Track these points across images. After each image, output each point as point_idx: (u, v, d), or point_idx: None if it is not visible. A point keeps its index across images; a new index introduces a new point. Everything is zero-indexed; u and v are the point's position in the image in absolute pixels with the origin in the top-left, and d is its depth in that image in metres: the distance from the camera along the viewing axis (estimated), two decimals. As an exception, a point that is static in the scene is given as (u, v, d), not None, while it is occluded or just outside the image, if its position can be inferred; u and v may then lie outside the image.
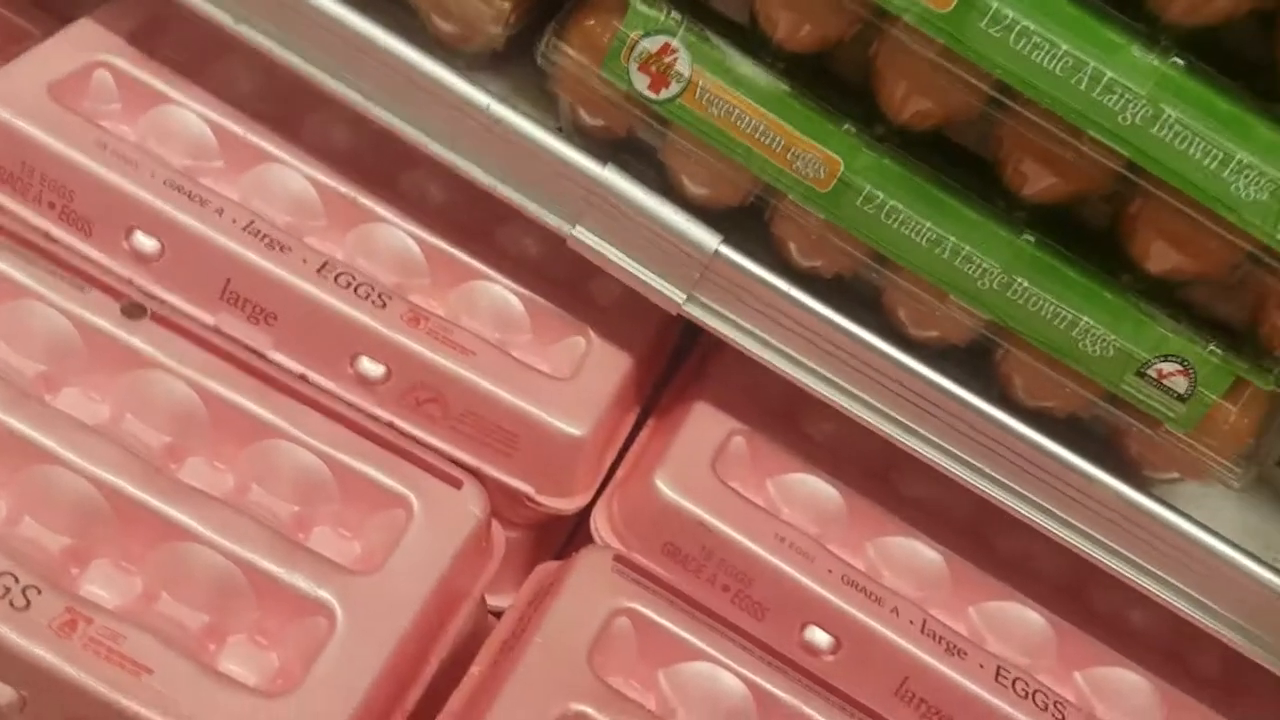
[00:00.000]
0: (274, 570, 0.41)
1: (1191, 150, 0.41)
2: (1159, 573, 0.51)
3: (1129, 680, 0.55)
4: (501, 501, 0.54)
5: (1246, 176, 0.41)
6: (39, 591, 0.38)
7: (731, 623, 0.51)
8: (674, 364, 0.62)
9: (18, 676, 0.37)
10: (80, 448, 0.42)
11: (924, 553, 0.56)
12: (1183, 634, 0.55)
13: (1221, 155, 0.41)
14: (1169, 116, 0.41)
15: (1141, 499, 0.49)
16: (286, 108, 0.57)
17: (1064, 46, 0.41)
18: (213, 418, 0.46)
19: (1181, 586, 0.51)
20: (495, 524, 0.50)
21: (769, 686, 0.47)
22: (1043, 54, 0.41)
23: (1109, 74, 0.41)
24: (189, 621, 0.41)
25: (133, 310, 0.47)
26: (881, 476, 0.58)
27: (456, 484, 0.47)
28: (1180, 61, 0.41)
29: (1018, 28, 0.41)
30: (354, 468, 0.46)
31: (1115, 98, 0.41)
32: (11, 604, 0.37)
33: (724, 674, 0.47)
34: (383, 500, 0.46)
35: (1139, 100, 0.41)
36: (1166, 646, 0.57)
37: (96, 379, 0.47)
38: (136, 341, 0.46)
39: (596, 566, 0.48)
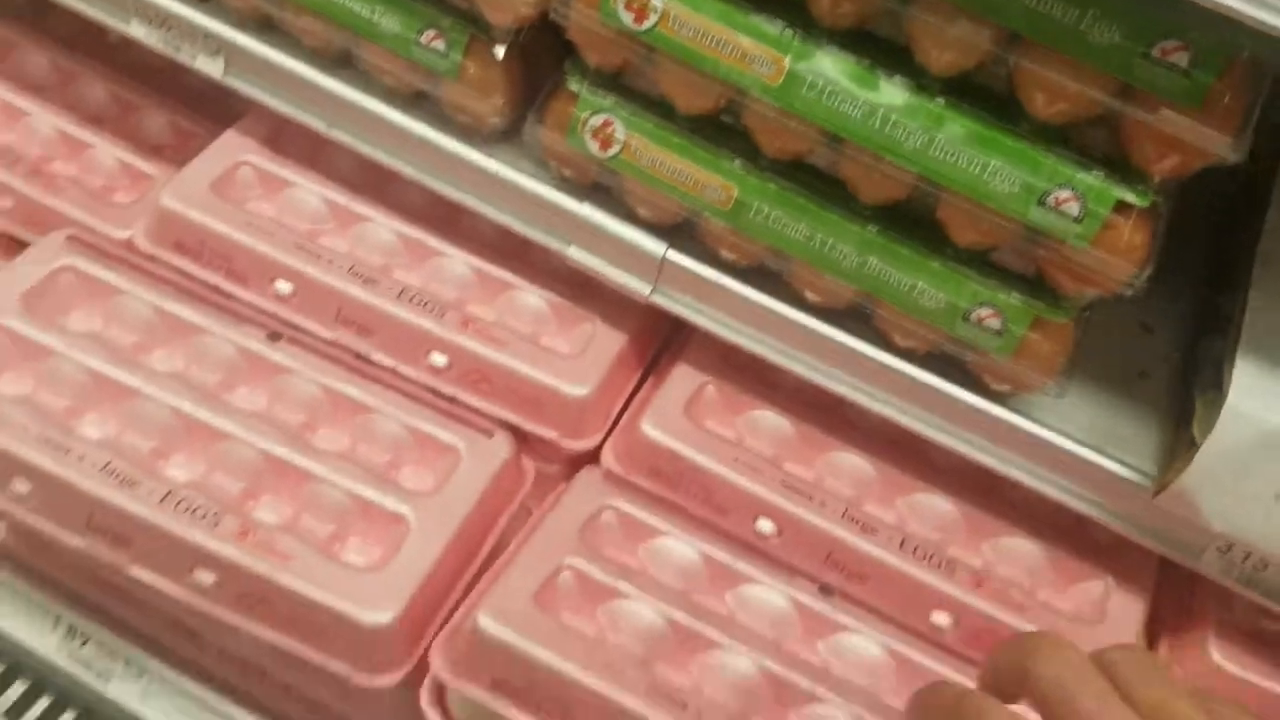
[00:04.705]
0: (372, 496, 0.64)
1: (958, 162, 0.58)
2: (1020, 461, 0.67)
3: (1025, 547, 0.72)
4: (540, 447, 0.75)
5: (1000, 176, 0.58)
6: (222, 515, 0.61)
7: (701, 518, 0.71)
8: (674, 337, 0.82)
9: (212, 566, 0.61)
10: (246, 427, 0.66)
11: (857, 462, 0.74)
12: (1064, 512, 0.71)
13: (980, 163, 0.58)
14: (939, 140, 0.58)
15: (991, 406, 0.66)
16: (373, 180, 0.80)
17: (861, 99, 0.59)
18: (330, 403, 0.69)
19: (1042, 472, 0.67)
20: (525, 459, 0.71)
21: (716, 552, 0.67)
22: (847, 106, 0.59)
23: (894, 115, 0.58)
24: (320, 532, 0.64)
25: (274, 336, 0.71)
26: (828, 409, 0.76)
27: (490, 434, 0.69)
28: (942, 100, 0.58)
29: (828, 89, 0.59)
30: (423, 429, 0.68)
31: (900, 130, 0.59)
32: (210, 523, 0.61)
33: (682, 545, 0.67)
34: (443, 449, 0.68)
35: (916, 130, 0.58)
36: (1054, 522, 0.73)
37: (254, 383, 0.71)
38: (278, 357, 0.70)
39: (591, 479, 0.69)
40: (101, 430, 0.65)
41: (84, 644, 0.70)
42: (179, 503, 0.61)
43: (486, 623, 0.59)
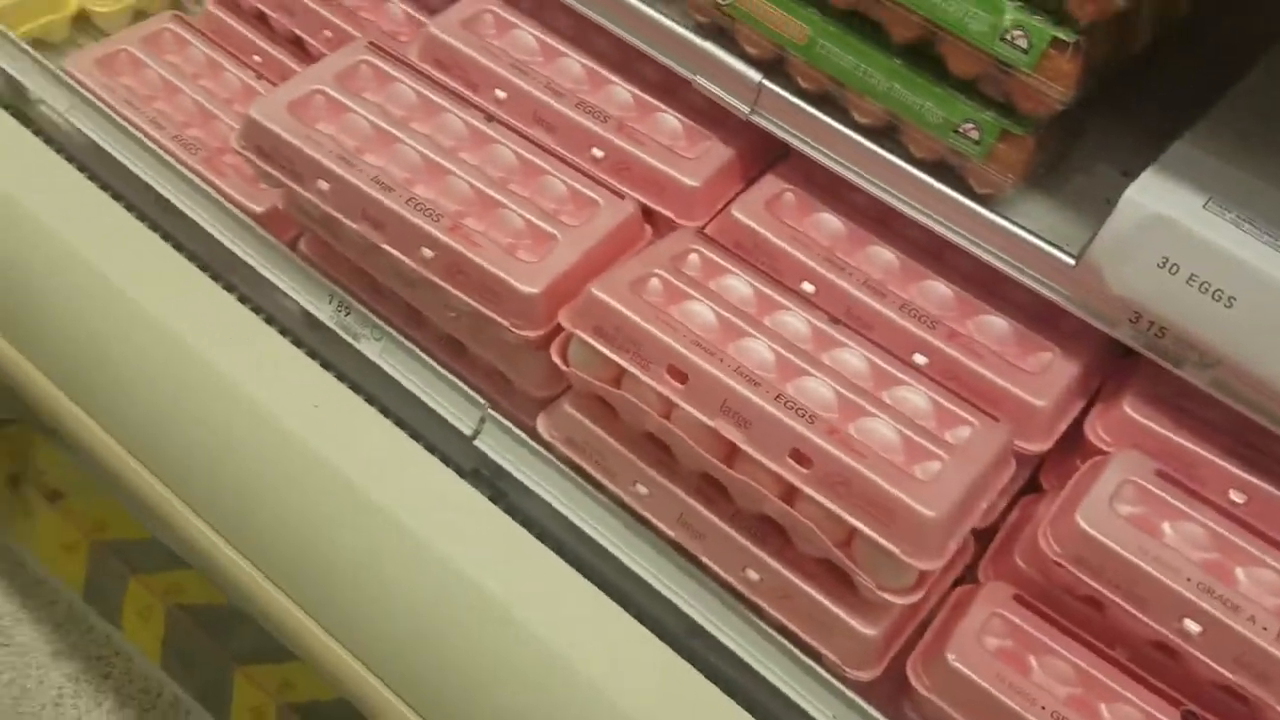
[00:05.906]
0: (537, 221, 0.96)
1: (949, 6, 0.84)
2: (991, 247, 0.92)
3: (1000, 325, 0.96)
4: (661, 226, 1.05)
5: (975, 18, 0.83)
6: (441, 218, 0.95)
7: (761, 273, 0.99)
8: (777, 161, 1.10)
9: (431, 245, 0.95)
10: (464, 170, 1.00)
11: (886, 255, 1.00)
12: (1039, 302, 0.95)
13: (963, 9, 0.83)
14: (936, -8, 0.84)
15: (974, 204, 0.91)
16: (573, 27, 1.12)
17: (885, -38, 0.85)
18: (521, 166, 1.02)
19: (1007, 258, 0.91)
20: (646, 225, 1.01)
21: (765, 290, 0.95)
22: (877, -33, 0.86)
23: (907, -26, 0.85)
24: (502, 241, 0.97)
25: (489, 118, 1.04)
26: (873, 217, 1.02)
27: (623, 197, 1.00)
28: (942, -35, 0.84)
29: (866, -45, 0.86)
30: (578, 189, 1.00)
31: (911, -15, 0.85)
32: (433, 218, 0.95)
33: (741, 283, 0.95)
34: (589, 202, 1.00)
35: (921, -15, 0.84)
36: (1031, 312, 0.97)
37: (474, 148, 1.04)
38: (490, 132, 1.03)
39: (686, 231, 0.99)
40: (375, 160, 1.00)
41: (347, 314, 1.06)
42: (417, 206, 0.96)
43: (595, 291, 0.90)
